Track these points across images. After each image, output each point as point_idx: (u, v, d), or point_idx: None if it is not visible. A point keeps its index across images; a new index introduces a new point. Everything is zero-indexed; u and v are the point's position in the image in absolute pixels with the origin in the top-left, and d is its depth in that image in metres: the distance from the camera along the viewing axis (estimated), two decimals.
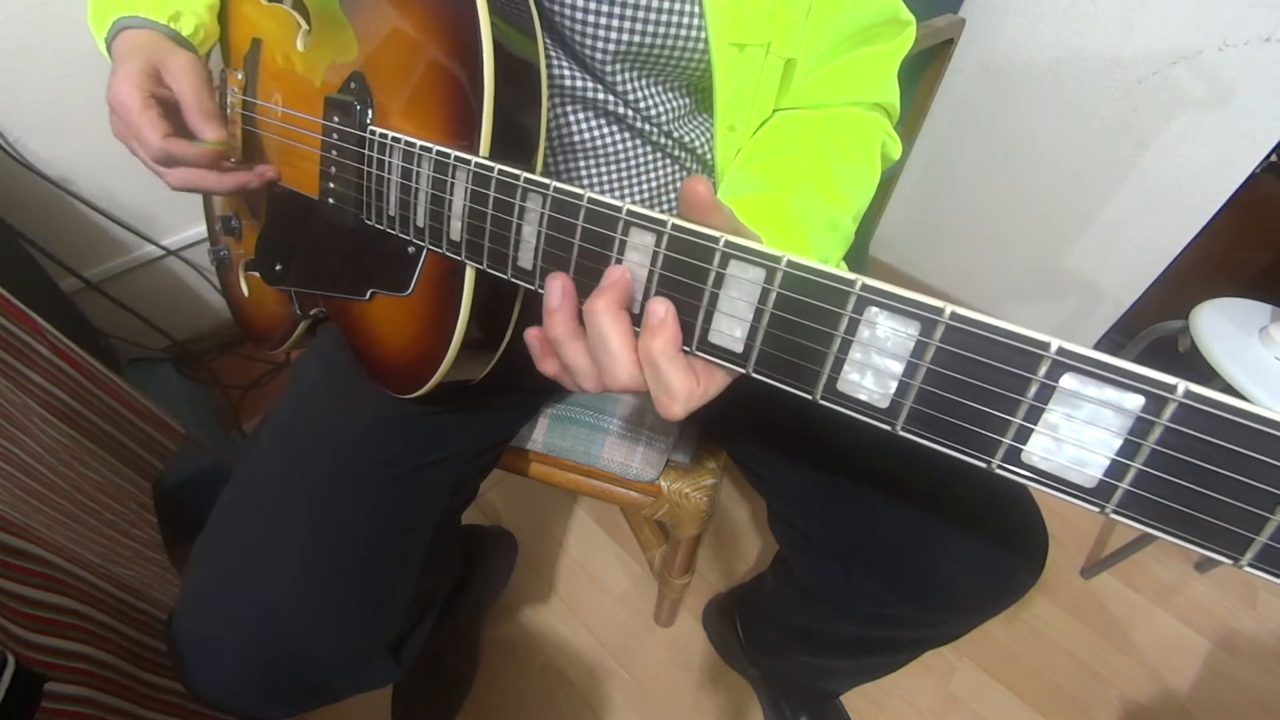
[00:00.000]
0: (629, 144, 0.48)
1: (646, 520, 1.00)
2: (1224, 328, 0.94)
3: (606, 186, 0.49)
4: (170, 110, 0.45)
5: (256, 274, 0.56)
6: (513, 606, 0.99)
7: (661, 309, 0.28)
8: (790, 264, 0.25)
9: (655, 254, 0.28)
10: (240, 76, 0.52)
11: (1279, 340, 0.90)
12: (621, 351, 0.30)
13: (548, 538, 1.09)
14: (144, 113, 0.42)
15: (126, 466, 0.78)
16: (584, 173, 0.48)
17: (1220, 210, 1.12)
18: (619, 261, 0.30)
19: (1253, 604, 1.08)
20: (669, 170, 0.51)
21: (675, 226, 0.27)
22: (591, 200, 0.30)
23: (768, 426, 0.55)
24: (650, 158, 0.50)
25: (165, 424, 0.84)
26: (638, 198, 0.51)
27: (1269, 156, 1.05)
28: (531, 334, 0.34)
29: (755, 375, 0.28)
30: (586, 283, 0.31)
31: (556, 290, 0.31)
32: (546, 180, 0.31)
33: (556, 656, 0.94)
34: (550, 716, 0.89)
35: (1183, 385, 0.19)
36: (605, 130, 0.47)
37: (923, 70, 1.28)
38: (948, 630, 0.53)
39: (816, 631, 0.64)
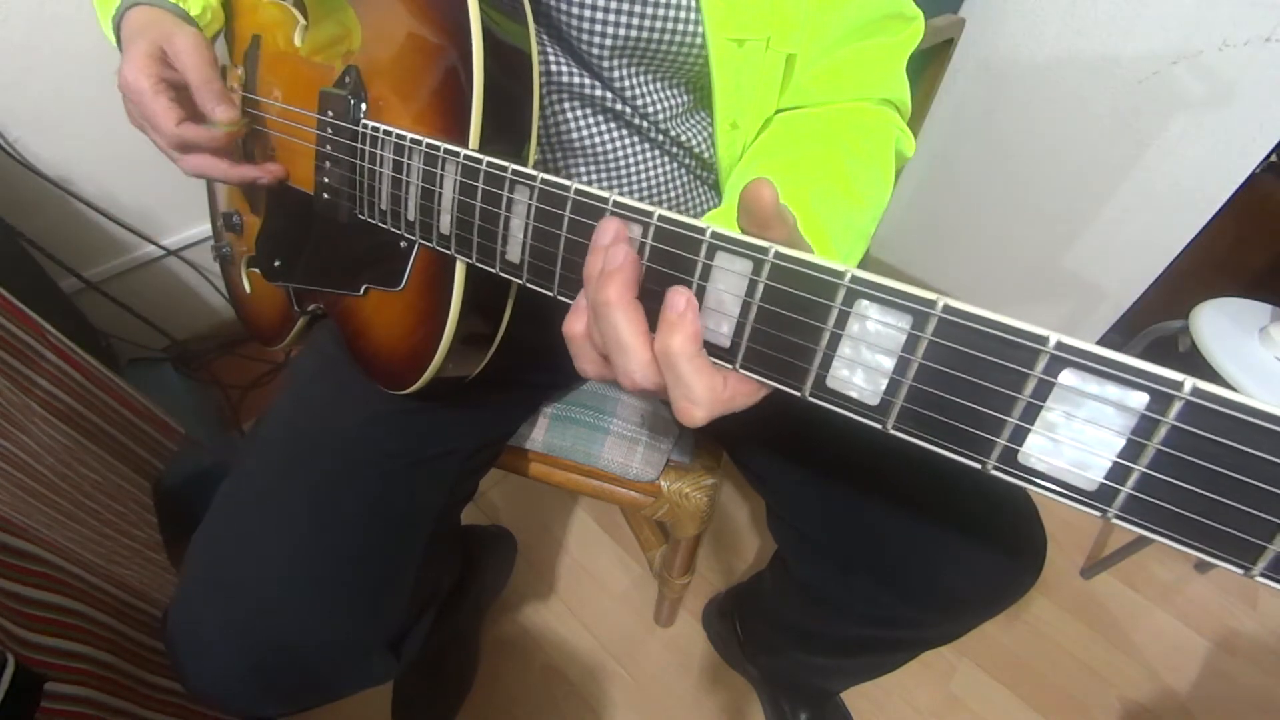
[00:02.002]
0: (627, 141, 0.48)
1: (646, 520, 1.00)
2: (1224, 328, 0.93)
3: (604, 184, 0.49)
4: (180, 92, 0.44)
5: (257, 271, 0.56)
6: (513, 606, 0.99)
7: (681, 300, 0.26)
8: (778, 255, 0.24)
9: (642, 245, 0.28)
10: (240, 72, 0.52)
11: (1279, 340, 0.90)
12: (638, 348, 0.27)
13: (548, 538, 1.08)
14: (156, 99, 0.42)
15: (126, 466, 0.78)
16: (581, 170, 0.48)
17: (1220, 210, 1.12)
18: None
19: (1253, 604, 1.08)
20: (667, 168, 0.51)
21: (661, 217, 0.27)
22: (579, 191, 0.29)
23: (767, 426, 0.54)
24: (648, 155, 0.50)
25: (165, 424, 0.84)
26: (635, 196, 0.50)
27: (1269, 156, 1.05)
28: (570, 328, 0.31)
29: (742, 371, 0.27)
30: (575, 278, 0.31)
31: (609, 231, 0.28)
32: (534, 172, 0.31)
33: (556, 656, 0.94)
34: (550, 716, 0.88)
35: (1190, 382, 0.18)
36: (603, 127, 0.47)
37: (923, 70, 1.28)
38: (947, 630, 0.53)
39: (816, 631, 0.64)
